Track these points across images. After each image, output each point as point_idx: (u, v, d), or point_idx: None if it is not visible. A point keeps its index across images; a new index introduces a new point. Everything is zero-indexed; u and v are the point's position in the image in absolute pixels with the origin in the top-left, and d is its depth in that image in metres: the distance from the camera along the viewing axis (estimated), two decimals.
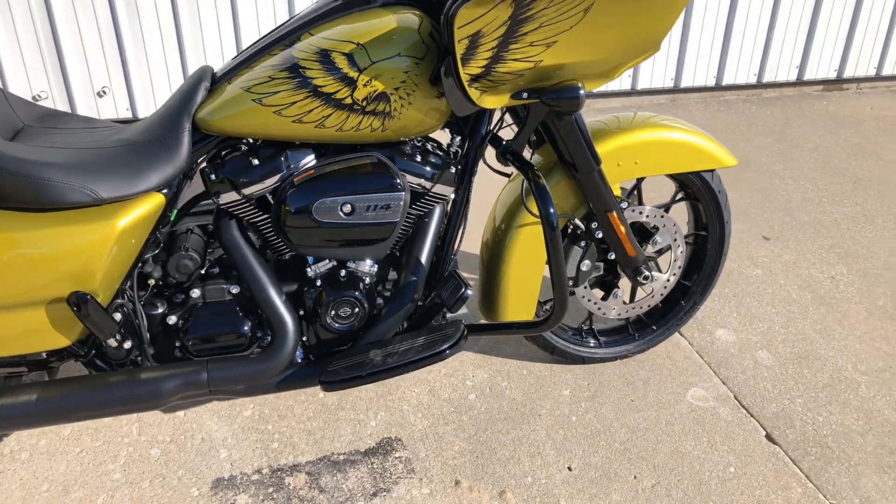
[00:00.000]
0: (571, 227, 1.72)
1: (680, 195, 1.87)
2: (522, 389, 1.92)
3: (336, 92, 1.33)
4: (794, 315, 2.26)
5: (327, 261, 1.52)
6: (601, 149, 1.64)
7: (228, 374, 1.47)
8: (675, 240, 1.82)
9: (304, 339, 1.57)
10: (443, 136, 1.64)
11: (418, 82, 1.36)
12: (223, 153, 1.45)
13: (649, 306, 1.91)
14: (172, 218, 1.45)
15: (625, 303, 1.90)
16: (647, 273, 1.75)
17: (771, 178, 3.14)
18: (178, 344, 1.50)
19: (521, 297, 1.73)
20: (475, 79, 1.30)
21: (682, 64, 3.81)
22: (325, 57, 1.33)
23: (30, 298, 1.34)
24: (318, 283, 1.53)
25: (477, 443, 1.75)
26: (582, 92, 1.35)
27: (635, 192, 1.83)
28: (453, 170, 1.52)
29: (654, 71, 3.80)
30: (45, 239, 1.30)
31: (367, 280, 1.54)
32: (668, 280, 1.86)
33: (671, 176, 1.80)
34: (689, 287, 1.97)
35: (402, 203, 1.41)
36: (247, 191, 1.40)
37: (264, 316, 1.49)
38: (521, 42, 1.27)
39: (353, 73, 1.32)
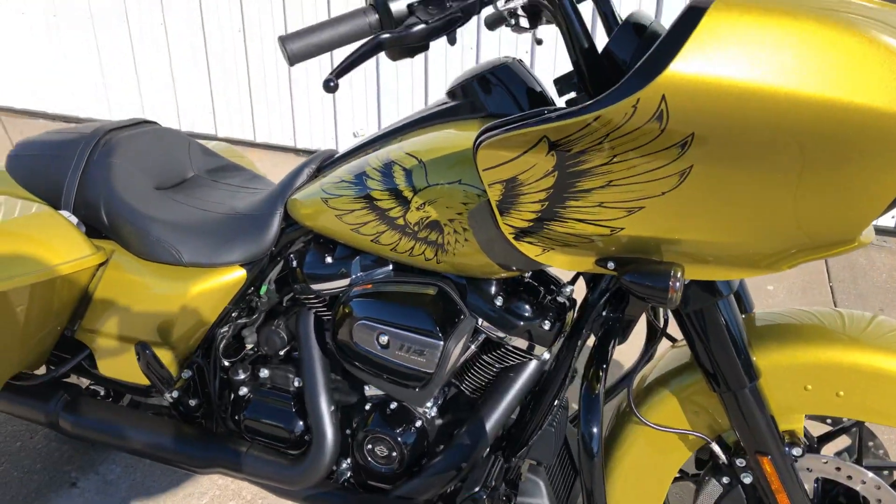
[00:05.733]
0: (711, 453, 1.22)
1: None
2: None
3: (390, 209, 1.15)
4: None
5: None
6: (778, 357, 1.10)
7: (259, 467, 1.38)
8: None
9: (349, 460, 1.37)
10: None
11: None
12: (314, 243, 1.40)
13: None
14: (263, 293, 1.42)
15: None
16: None
17: None
18: (236, 417, 1.44)
19: None
20: (523, 233, 1.01)
21: None
22: (387, 168, 1.15)
23: (127, 333, 1.43)
24: (368, 406, 1.32)
25: None
26: (675, 283, 0.93)
27: (854, 440, 1.19)
28: (547, 325, 1.18)
29: None
30: (137, 286, 1.40)
31: (419, 423, 1.29)
32: None
33: None
34: None
35: (437, 353, 1.15)
36: (315, 287, 1.31)
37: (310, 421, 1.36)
38: (582, 200, 0.94)
39: (407, 193, 1.13)
